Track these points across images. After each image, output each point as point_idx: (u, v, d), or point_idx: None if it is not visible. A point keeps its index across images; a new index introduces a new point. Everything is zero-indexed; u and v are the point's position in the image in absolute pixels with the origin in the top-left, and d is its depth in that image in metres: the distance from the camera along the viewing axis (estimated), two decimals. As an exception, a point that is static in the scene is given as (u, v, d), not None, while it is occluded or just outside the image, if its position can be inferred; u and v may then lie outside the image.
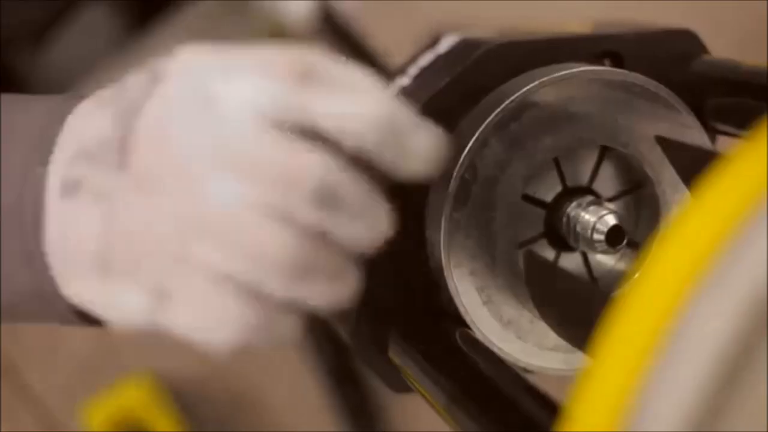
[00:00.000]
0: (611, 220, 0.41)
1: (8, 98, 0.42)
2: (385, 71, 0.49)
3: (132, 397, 0.73)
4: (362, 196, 0.36)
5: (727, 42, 0.71)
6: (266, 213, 0.35)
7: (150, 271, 0.36)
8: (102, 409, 0.72)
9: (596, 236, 0.41)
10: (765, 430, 0.28)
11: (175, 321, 0.36)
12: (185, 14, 0.78)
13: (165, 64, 0.38)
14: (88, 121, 0.39)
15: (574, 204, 0.43)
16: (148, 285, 0.37)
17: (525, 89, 0.41)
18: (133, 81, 0.39)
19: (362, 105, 0.35)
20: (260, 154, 0.35)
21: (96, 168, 0.38)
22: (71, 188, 0.38)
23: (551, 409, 0.36)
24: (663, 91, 0.42)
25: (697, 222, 0.29)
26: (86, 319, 0.41)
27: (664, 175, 0.43)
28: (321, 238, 0.36)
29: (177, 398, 0.75)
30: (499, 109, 0.41)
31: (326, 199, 0.35)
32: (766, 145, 0.29)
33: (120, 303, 0.37)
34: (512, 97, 0.41)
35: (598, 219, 0.42)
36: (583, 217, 0.42)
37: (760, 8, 0.74)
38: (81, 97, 0.41)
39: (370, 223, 0.36)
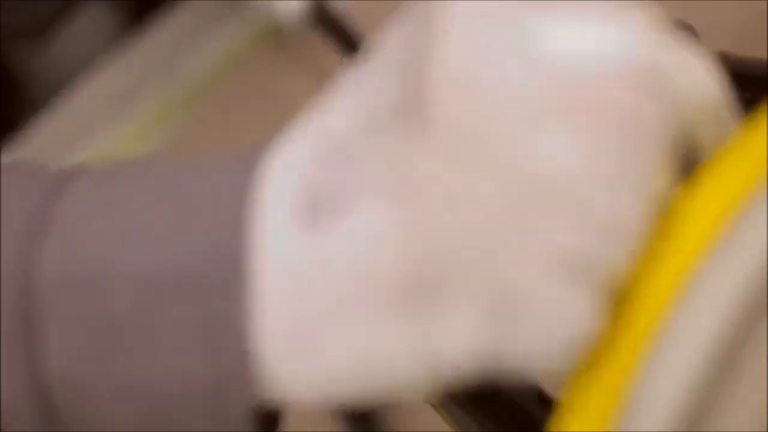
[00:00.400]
0: None
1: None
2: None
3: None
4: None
5: (727, 39, 0.70)
6: (611, 173, 0.27)
7: (482, 275, 0.27)
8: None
9: None
10: (761, 425, 0.28)
11: (520, 340, 0.27)
12: (181, 13, 0.78)
13: (434, 12, 0.28)
14: (320, 119, 0.29)
15: None
16: (482, 297, 0.27)
17: None
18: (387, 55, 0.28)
19: (712, 75, 0.30)
20: (605, 96, 0.27)
21: (360, 156, 0.27)
22: (317, 204, 0.28)
23: (546, 403, 0.35)
24: None
25: (689, 214, 0.28)
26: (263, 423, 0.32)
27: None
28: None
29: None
30: None
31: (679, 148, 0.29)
32: (762, 137, 0.29)
33: (441, 339, 0.27)
34: None
35: None
36: None
37: (760, 6, 0.74)
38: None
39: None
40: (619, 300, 0.28)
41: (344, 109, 0.29)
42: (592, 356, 0.28)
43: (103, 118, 0.78)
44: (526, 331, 0.27)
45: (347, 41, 0.74)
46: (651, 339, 0.27)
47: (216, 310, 0.29)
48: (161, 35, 0.78)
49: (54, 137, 0.77)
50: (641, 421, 0.27)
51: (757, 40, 0.71)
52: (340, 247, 0.27)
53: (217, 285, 0.29)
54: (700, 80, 0.30)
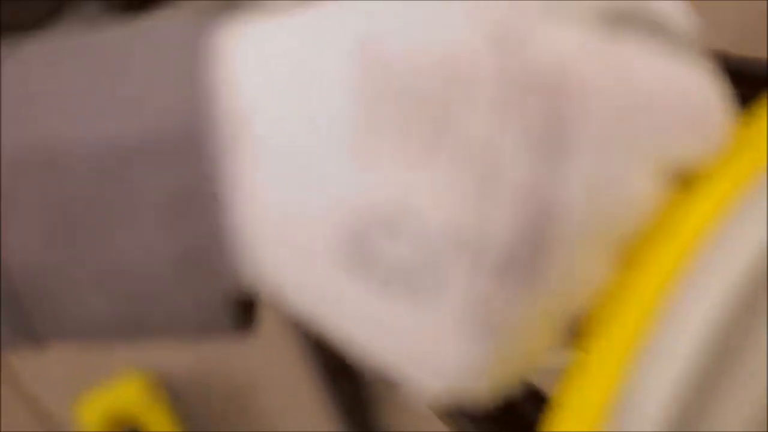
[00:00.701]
0: None
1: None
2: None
3: (127, 394, 0.72)
4: None
5: (727, 39, 0.70)
6: None
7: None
8: (96, 407, 0.72)
9: None
10: (762, 421, 0.28)
11: None
12: (177, 10, 0.79)
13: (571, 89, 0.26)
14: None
15: None
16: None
17: None
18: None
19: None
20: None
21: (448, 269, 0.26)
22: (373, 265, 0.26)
23: (540, 402, 0.35)
24: None
25: (688, 208, 0.28)
26: (242, 312, 0.29)
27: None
28: None
29: (173, 396, 0.74)
30: None
31: None
32: (762, 134, 0.28)
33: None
34: None
35: None
36: None
37: (760, 6, 0.74)
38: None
39: None
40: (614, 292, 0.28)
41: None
42: (586, 354, 0.28)
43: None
44: None
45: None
46: (645, 334, 0.27)
47: (186, 177, 0.27)
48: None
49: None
50: (637, 420, 0.27)
51: (757, 40, 0.71)
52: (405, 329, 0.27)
53: (190, 150, 0.26)
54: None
